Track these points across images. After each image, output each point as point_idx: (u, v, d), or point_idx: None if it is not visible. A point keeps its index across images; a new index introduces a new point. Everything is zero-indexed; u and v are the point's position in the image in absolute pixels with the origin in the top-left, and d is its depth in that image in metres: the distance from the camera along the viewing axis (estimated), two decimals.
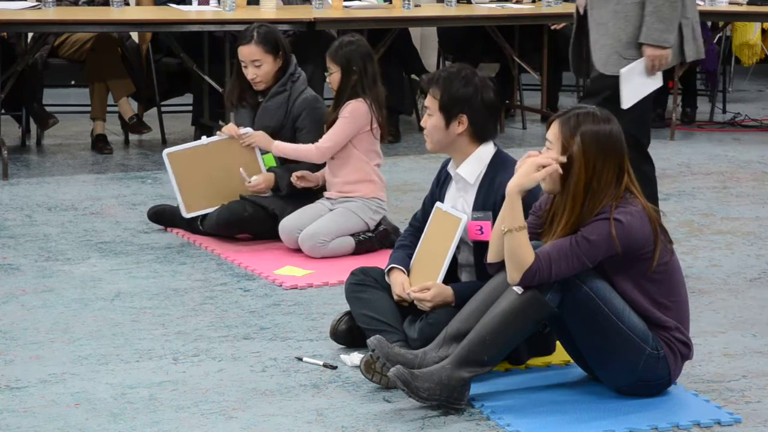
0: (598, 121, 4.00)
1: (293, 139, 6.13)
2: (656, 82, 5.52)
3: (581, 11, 5.61)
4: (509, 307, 3.95)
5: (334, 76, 5.93)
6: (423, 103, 4.65)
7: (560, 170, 3.98)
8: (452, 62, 9.54)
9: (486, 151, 4.47)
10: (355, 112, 5.91)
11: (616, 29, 5.42)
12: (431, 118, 4.46)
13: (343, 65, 5.91)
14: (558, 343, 4.35)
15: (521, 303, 3.94)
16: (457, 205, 4.50)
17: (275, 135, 6.14)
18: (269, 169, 6.15)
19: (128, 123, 8.45)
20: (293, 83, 6.16)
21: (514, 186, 3.98)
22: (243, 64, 6.16)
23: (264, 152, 6.14)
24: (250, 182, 6.09)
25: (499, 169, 4.40)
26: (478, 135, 4.45)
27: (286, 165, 6.13)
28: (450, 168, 4.55)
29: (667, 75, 9.21)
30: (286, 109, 6.14)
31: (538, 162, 4.00)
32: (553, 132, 4.02)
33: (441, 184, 4.62)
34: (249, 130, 6.09)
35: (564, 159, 3.97)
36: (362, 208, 5.94)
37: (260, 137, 6.07)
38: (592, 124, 3.99)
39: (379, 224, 6.00)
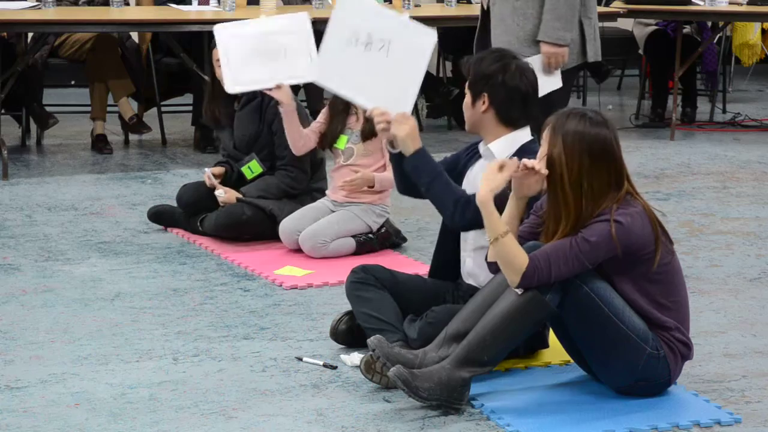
0: (586, 122, 3.98)
1: (271, 143, 6.12)
2: (554, 82, 5.55)
3: (485, 7, 5.66)
4: (509, 308, 3.95)
5: None
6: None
7: (535, 168, 3.98)
8: (452, 62, 9.55)
9: (521, 136, 4.44)
10: None
11: (515, 26, 5.51)
12: (466, 96, 4.48)
13: None
14: (557, 342, 4.34)
15: (521, 303, 3.94)
16: (478, 178, 4.46)
17: (253, 142, 6.14)
18: (253, 178, 6.16)
19: (128, 123, 8.46)
20: None
21: (484, 193, 3.97)
22: (217, 65, 6.16)
23: (251, 159, 6.15)
24: (215, 192, 6.13)
25: (528, 155, 4.34)
26: (503, 118, 4.42)
27: (268, 176, 6.14)
28: (480, 146, 4.54)
29: (668, 75, 9.31)
30: (259, 115, 6.14)
31: (498, 163, 4.01)
32: (545, 131, 4.03)
33: (468, 156, 4.57)
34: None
35: (532, 164, 3.97)
36: (366, 212, 5.93)
37: (365, 178, 5.85)
38: (579, 125, 3.97)
39: (381, 227, 5.99)
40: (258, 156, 6.16)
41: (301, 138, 5.92)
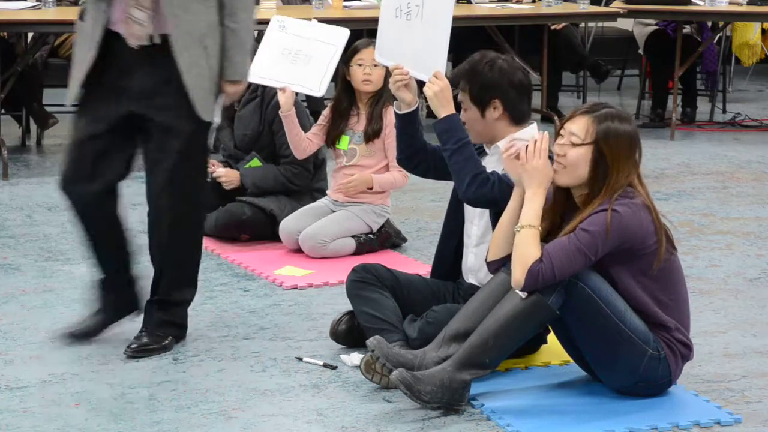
0: (627, 121, 4.03)
1: (272, 143, 6.12)
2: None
3: (134, 45, 4.36)
4: (512, 311, 3.95)
5: (381, 71, 5.77)
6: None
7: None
8: (452, 62, 9.55)
9: (530, 132, 4.45)
10: None
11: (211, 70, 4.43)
12: (467, 112, 4.46)
13: None
14: (557, 342, 4.34)
15: (524, 306, 3.94)
16: None
17: (254, 142, 6.14)
18: (247, 168, 6.18)
19: None
20: (264, 87, 6.13)
21: (546, 181, 3.99)
22: None
23: (252, 158, 6.16)
24: (213, 173, 6.12)
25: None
26: (514, 117, 4.45)
27: (269, 165, 6.13)
28: (485, 145, 4.54)
29: (668, 75, 9.31)
30: (260, 114, 6.13)
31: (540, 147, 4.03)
32: (582, 126, 4.00)
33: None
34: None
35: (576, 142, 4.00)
36: (366, 212, 5.93)
37: (362, 180, 5.88)
38: (625, 125, 4.01)
39: (381, 227, 5.99)
40: (259, 155, 6.16)
41: (302, 142, 5.93)
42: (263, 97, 6.12)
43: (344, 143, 5.95)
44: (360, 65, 5.82)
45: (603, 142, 3.98)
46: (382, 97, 5.85)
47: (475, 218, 4.53)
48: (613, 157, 3.97)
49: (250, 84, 6.12)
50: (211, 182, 6.28)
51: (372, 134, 5.87)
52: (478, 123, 4.46)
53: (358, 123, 5.94)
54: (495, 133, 4.46)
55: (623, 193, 3.97)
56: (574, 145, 4.01)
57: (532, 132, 4.44)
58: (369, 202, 5.93)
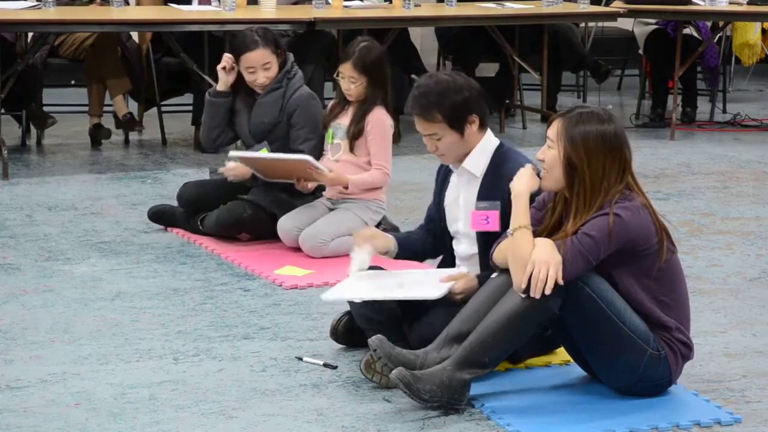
0: (602, 120, 4.00)
1: (288, 136, 6.11)
2: None
3: None
4: (512, 310, 3.95)
5: (358, 87, 5.80)
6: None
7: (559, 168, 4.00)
8: (452, 62, 9.55)
9: (489, 143, 4.46)
10: (385, 124, 5.88)
11: None
12: (443, 140, 4.40)
13: (370, 74, 5.80)
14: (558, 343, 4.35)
15: (524, 306, 3.94)
16: (460, 200, 4.49)
17: (270, 131, 6.14)
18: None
19: (121, 120, 8.42)
20: (289, 80, 6.12)
21: (522, 188, 4.03)
22: (250, 70, 6.09)
23: (262, 147, 6.15)
24: (225, 167, 6.10)
25: (505, 160, 4.38)
26: (483, 123, 4.45)
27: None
28: (452, 165, 4.54)
29: (668, 75, 9.31)
30: (281, 105, 6.12)
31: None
32: (555, 130, 4.02)
33: (440, 185, 4.61)
34: (322, 167, 5.81)
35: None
36: (362, 209, 5.93)
37: (336, 177, 5.85)
38: (597, 124, 3.99)
39: (378, 224, 5.99)
40: (271, 147, 6.14)
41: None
42: (287, 88, 6.12)
43: (329, 138, 5.97)
44: (343, 78, 5.85)
45: (568, 142, 3.98)
46: (367, 101, 5.86)
47: (464, 238, 4.52)
48: (580, 156, 3.97)
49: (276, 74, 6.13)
50: (214, 182, 6.28)
51: (355, 134, 5.89)
52: (457, 145, 4.43)
53: (345, 117, 5.94)
54: (471, 147, 4.45)
55: (622, 196, 3.98)
56: (549, 149, 4.03)
57: (490, 142, 4.47)
58: (363, 199, 5.94)
